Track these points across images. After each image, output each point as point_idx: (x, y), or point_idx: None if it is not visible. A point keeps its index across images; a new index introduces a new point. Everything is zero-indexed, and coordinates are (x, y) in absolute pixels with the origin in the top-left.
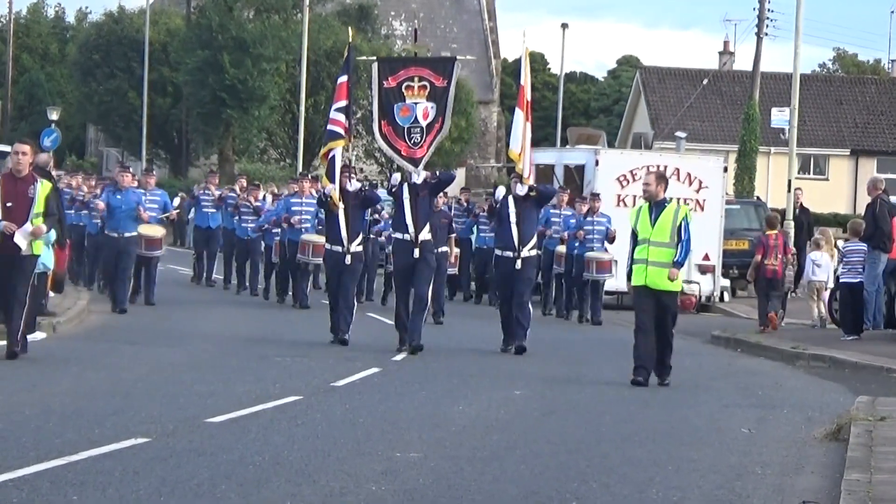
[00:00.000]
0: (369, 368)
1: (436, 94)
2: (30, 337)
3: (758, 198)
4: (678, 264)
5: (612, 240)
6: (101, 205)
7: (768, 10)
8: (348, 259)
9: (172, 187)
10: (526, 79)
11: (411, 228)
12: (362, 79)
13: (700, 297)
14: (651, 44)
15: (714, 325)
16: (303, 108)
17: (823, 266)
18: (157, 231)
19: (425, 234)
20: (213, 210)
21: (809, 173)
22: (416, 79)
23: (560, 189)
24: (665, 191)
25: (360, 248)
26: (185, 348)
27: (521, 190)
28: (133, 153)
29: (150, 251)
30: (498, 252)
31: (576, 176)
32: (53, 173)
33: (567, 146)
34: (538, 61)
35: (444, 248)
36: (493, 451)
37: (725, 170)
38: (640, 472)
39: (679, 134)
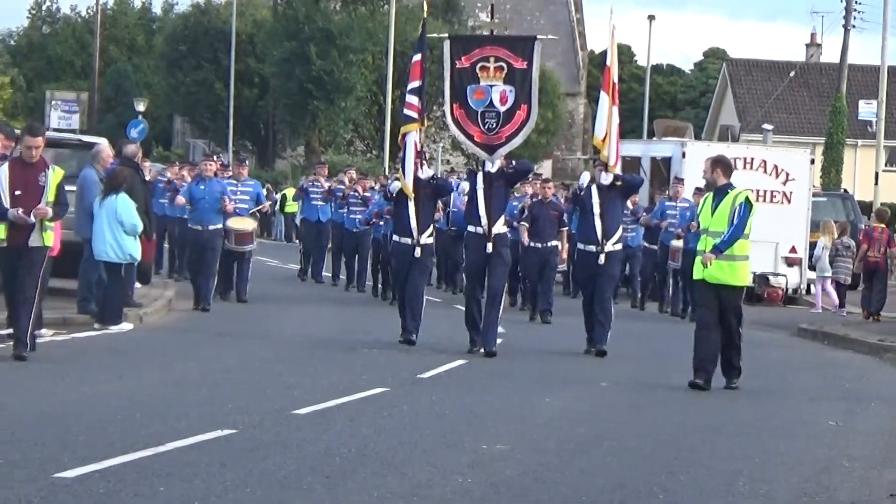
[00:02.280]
0: (455, 360)
1: (514, 77)
2: (115, 328)
3: (845, 190)
4: (717, 249)
5: (689, 229)
6: (181, 200)
7: (855, 1)
8: (418, 252)
9: (259, 178)
10: (612, 59)
11: (484, 221)
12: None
13: (787, 289)
14: (736, 35)
15: (801, 318)
16: (389, 100)
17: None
18: (247, 224)
19: (500, 227)
20: (323, 203)
21: None
22: (491, 59)
23: (676, 180)
24: (727, 176)
25: (430, 241)
26: (272, 340)
27: (606, 179)
28: (220, 144)
29: (242, 245)
30: (580, 246)
31: (662, 168)
32: (147, 164)
33: (654, 138)
34: (625, 53)
35: (555, 243)
36: (579, 443)
37: (812, 162)
38: (727, 465)
39: (766, 126)
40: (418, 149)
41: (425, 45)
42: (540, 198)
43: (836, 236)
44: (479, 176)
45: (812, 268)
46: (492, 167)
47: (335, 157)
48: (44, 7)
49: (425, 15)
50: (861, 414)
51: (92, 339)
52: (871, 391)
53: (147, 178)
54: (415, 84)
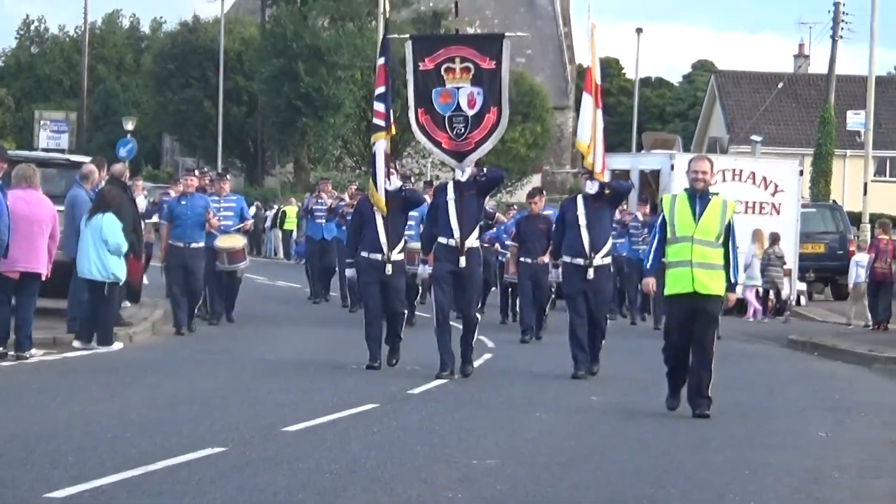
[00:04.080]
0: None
1: (482, 78)
2: (105, 349)
3: (834, 201)
4: (733, 287)
5: None
6: (166, 228)
7: (843, 12)
8: (389, 269)
9: (248, 196)
10: (594, 59)
11: (457, 233)
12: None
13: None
14: (724, 47)
15: (791, 329)
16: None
17: (867, 267)
18: (237, 241)
19: (473, 241)
20: (326, 220)
21: (886, 175)
22: (457, 59)
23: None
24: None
25: (401, 256)
26: (261, 358)
27: (592, 188)
28: (209, 162)
29: (236, 263)
30: (567, 259)
31: (651, 181)
32: (140, 184)
33: (642, 151)
34: (613, 66)
35: (546, 258)
36: (570, 457)
37: (801, 173)
38: (716, 478)
39: (755, 137)
40: (387, 158)
41: (389, 47)
42: (528, 213)
43: (766, 246)
44: (450, 186)
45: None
46: (462, 176)
47: (324, 173)
48: (32, 27)
49: (387, 15)
50: (850, 424)
51: (82, 359)
52: (860, 401)
53: (137, 196)
54: (380, 90)
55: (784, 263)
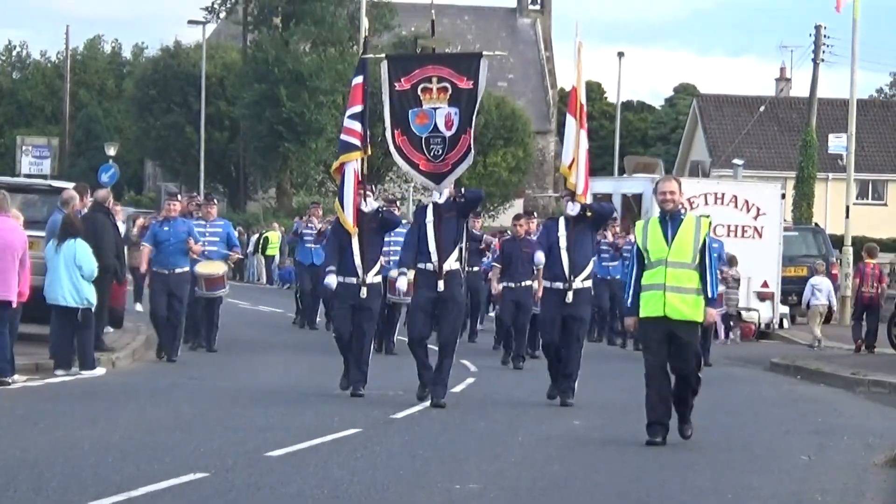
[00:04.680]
0: (429, 400)
1: (460, 98)
2: (87, 374)
3: (816, 224)
4: (713, 301)
5: (725, 279)
6: (147, 250)
7: (824, 36)
8: (364, 292)
9: (231, 221)
10: (579, 80)
11: (434, 257)
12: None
13: (759, 324)
14: (705, 71)
15: (773, 353)
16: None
17: (823, 290)
18: (217, 268)
19: (452, 264)
20: (315, 245)
21: (868, 199)
22: (434, 79)
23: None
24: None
25: (377, 280)
26: (245, 383)
27: (573, 209)
28: (191, 187)
29: (214, 291)
30: (546, 283)
31: (633, 205)
32: (119, 208)
33: (624, 175)
34: (595, 90)
35: (530, 283)
36: (552, 481)
37: (783, 196)
38: (699, 501)
39: (736, 161)
40: (359, 179)
41: (367, 66)
42: (512, 235)
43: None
44: (429, 208)
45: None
46: (440, 198)
47: (307, 198)
48: (14, 52)
49: (366, 33)
50: (833, 448)
51: (65, 384)
52: (843, 425)
53: (118, 221)
54: (356, 109)
55: (738, 286)
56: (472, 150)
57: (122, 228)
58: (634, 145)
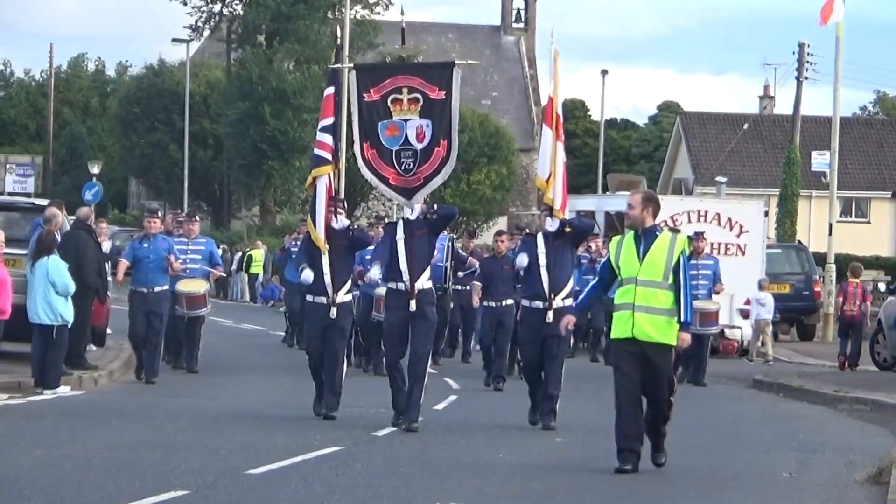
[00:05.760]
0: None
1: (432, 110)
2: (50, 392)
3: (799, 242)
4: (686, 325)
5: (717, 292)
6: (123, 265)
7: (808, 53)
8: (334, 312)
9: (215, 239)
10: (556, 89)
11: (406, 276)
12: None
13: (742, 341)
14: (689, 89)
15: (756, 370)
16: (343, 158)
17: (767, 305)
18: (199, 286)
19: (424, 283)
20: None
21: (851, 216)
22: (404, 90)
23: (696, 235)
24: (654, 216)
25: (348, 298)
26: (227, 401)
27: (552, 225)
28: (175, 205)
29: (195, 310)
30: (525, 303)
31: (616, 223)
32: (104, 227)
33: (608, 193)
34: (579, 108)
35: (510, 302)
36: (534, 499)
37: (766, 214)
38: None
39: (719, 178)
40: (331, 194)
41: (339, 77)
42: (493, 253)
43: None
44: (399, 225)
45: None
46: (411, 214)
47: (290, 216)
48: None
49: (338, 42)
50: (815, 465)
51: (47, 403)
52: (825, 442)
53: (101, 240)
54: (327, 121)
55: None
56: (451, 164)
57: (107, 246)
58: (618, 163)
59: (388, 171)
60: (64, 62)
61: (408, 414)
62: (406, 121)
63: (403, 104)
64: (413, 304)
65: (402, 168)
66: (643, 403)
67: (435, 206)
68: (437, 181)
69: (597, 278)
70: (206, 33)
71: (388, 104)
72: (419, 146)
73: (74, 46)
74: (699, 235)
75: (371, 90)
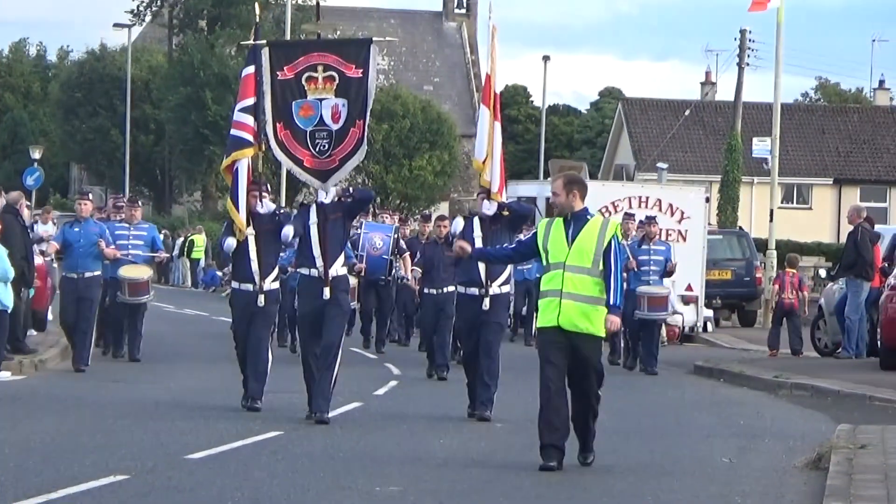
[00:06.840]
0: (351, 403)
1: (348, 89)
2: None
3: (741, 228)
4: (615, 308)
5: (670, 272)
6: (54, 247)
7: (749, 40)
8: (261, 300)
9: (157, 224)
10: (493, 67)
11: (319, 262)
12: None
13: (683, 327)
14: (631, 75)
15: (697, 356)
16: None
17: None
18: (142, 272)
19: (338, 269)
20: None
21: (793, 202)
22: (320, 68)
23: (648, 220)
24: (583, 199)
25: (275, 286)
26: (168, 385)
27: (489, 209)
28: (116, 191)
29: (137, 297)
30: (460, 289)
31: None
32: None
33: (549, 178)
34: (520, 94)
35: (452, 289)
36: (473, 484)
37: (707, 200)
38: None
39: (660, 165)
40: (252, 178)
41: (259, 54)
42: (435, 238)
43: None
44: (312, 209)
45: None
46: (325, 197)
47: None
48: None
49: (258, 19)
50: (755, 450)
51: None
52: (765, 428)
53: (46, 225)
54: (247, 102)
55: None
56: (364, 144)
57: (52, 232)
58: (560, 149)
59: (302, 152)
60: (5, 47)
61: (316, 405)
62: (321, 100)
63: (318, 83)
64: (327, 292)
65: (317, 150)
66: (568, 397)
67: (350, 188)
68: (352, 163)
69: (514, 244)
70: (148, 18)
71: (303, 83)
72: (335, 127)
73: (15, 31)
74: (651, 220)
75: (285, 68)
